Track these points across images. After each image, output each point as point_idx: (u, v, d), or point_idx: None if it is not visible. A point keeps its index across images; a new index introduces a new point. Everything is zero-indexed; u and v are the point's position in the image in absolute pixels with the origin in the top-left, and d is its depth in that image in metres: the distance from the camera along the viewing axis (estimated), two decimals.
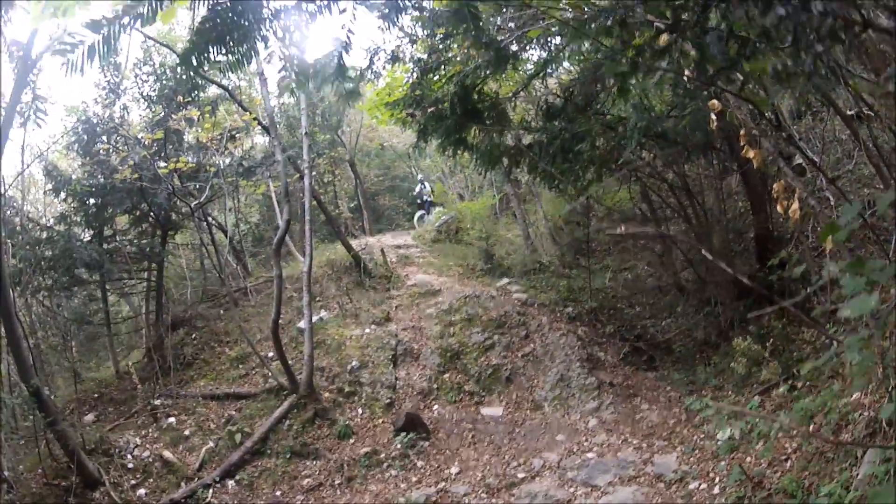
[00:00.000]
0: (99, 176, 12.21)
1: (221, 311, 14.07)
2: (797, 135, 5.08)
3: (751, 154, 5.01)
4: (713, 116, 5.33)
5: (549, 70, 10.96)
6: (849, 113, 5.87)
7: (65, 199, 12.65)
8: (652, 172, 12.08)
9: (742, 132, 5.09)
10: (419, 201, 23.41)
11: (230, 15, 4.61)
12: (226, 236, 15.52)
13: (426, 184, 23.56)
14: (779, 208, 5.03)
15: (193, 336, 13.29)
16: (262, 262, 18.44)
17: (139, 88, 13.43)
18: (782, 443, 6.47)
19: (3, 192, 10.67)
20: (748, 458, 6.61)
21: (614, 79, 8.71)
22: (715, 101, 5.32)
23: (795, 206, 4.78)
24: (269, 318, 11.30)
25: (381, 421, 10.06)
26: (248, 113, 13.84)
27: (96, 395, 11.79)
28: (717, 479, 6.90)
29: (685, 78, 5.04)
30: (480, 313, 12.22)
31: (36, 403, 8.52)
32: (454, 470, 8.69)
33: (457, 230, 18.61)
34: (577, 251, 15.35)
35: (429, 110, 10.85)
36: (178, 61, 12.08)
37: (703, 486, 7.01)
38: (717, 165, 11.24)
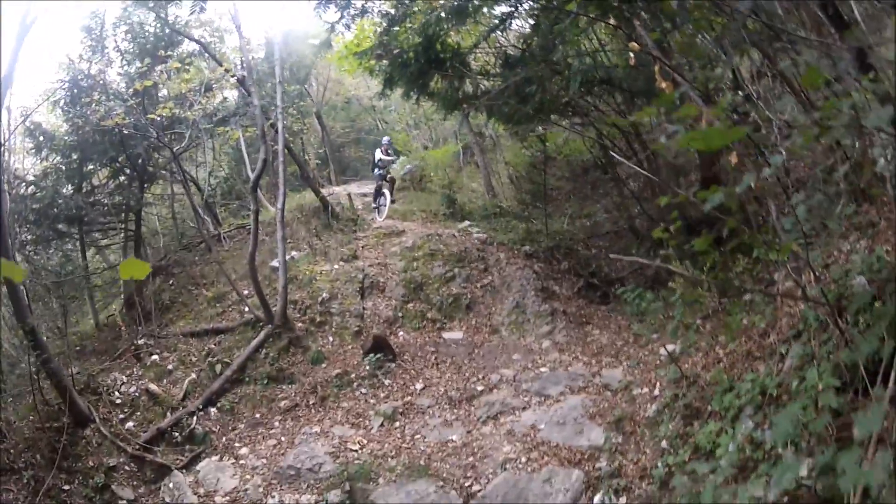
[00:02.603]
0: (81, 131, 12.73)
1: (196, 258, 14.67)
2: (755, 94, 5.59)
3: (663, 85, 5.65)
4: (631, 55, 5.98)
5: (508, 23, 11.66)
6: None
7: (46, 157, 13.20)
8: (601, 117, 12.81)
9: (657, 67, 5.73)
10: (378, 170, 17.57)
11: None
12: (198, 189, 16.08)
13: (387, 144, 18.19)
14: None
15: (171, 282, 13.83)
16: (232, 212, 18.95)
17: (117, 46, 13.93)
18: (716, 351, 7.18)
19: (5, 140, 11.09)
20: (685, 366, 7.25)
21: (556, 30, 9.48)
22: (634, 44, 5.95)
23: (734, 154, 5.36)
24: (243, 261, 12.01)
25: (350, 347, 10.75)
26: (221, 66, 14.40)
27: (78, 348, 12.28)
28: (657, 385, 7.67)
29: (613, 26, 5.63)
30: (442, 249, 12.92)
31: (31, 342, 9.06)
32: (419, 386, 9.42)
33: (420, 178, 19.17)
34: (537, 198, 15.98)
35: (394, 57, 11.52)
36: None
37: (646, 390, 7.82)
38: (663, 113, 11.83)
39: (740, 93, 4.70)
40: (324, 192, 17.56)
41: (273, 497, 7.73)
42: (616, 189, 14.09)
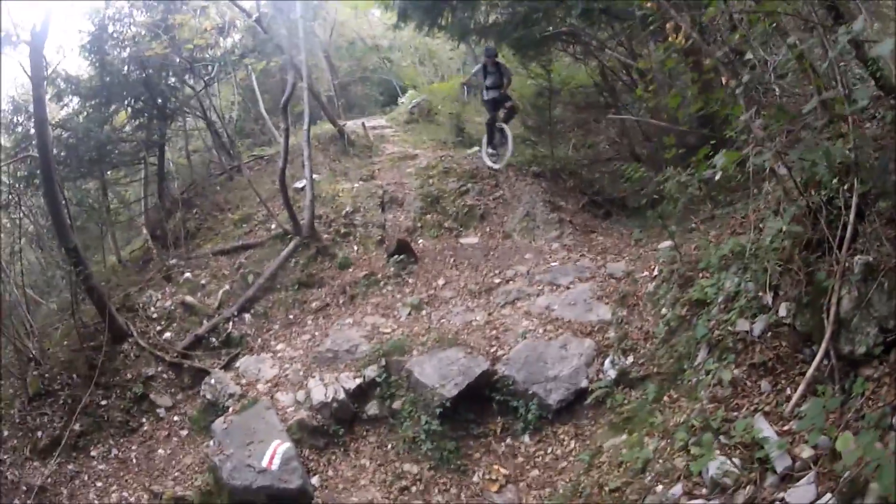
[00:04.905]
0: (106, 72, 13.43)
1: (218, 187, 15.42)
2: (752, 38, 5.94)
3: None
4: None
5: None
6: None
7: (67, 104, 13.88)
8: (602, 45, 13.37)
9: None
10: (489, 94, 13.48)
11: None
12: (221, 120, 16.70)
13: (491, 54, 13.22)
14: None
15: (194, 211, 14.54)
16: (246, 146, 19.50)
17: None
18: (706, 238, 7.88)
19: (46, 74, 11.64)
20: (680, 250, 7.90)
21: None
22: None
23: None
24: (266, 186, 12.78)
25: (374, 253, 11.55)
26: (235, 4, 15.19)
27: (103, 284, 13.03)
28: (655, 270, 8.51)
29: None
30: (455, 167, 13.67)
31: (74, 260, 9.77)
32: (441, 282, 10.25)
33: (428, 111, 19.65)
34: (542, 127, 16.47)
35: None
36: None
37: (646, 274, 8.71)
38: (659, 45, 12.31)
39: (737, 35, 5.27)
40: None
41: (314, 377, 8.54)
42: (618, 120, 14.63)
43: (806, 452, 3.96)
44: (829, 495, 3.55)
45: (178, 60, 13.92)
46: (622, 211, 12.68)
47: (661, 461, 5.03)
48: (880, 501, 3.28)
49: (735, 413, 4.77)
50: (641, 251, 9.80)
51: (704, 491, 4.33)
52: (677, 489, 4.53)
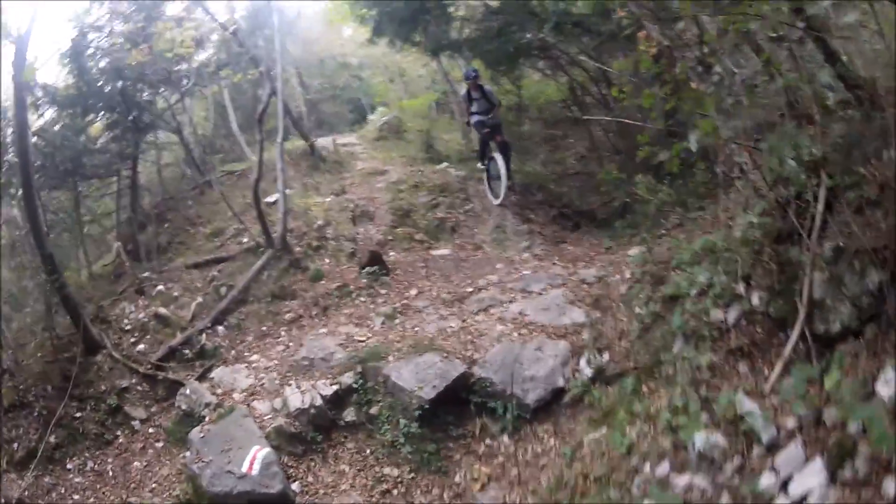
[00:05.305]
0: (83, 81, 13.47)
1: (189, 202, 15.38)
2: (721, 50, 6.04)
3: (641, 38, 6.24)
4: None
5: None
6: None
7: (43, 114, 13.82)
8: (573, 60, 13.64)
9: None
10: (477, 119, 12.83)
11: None
12: (197, 132, 16.74)
13: (473, 75, 12.69)
14: None
15: (166, 225, 14.57)
16: (217, 161, 19.37)
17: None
18: (678, 240, 8.06)
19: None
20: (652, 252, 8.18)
21: None
22: None
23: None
24: (237, 199, 12.78)
25: (346, 266, 11.56)
26: (216, 21, 15.36)
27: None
28: (627, 273, 8.64)
29: None
30: (425, 182, 13.83)
31: (49, 268, 9.71)
32: (413, 292, 10.29)
33: (398, 128, 19.80)
34: (511, 144, 16.64)
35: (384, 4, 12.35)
36: None
37: (618, 277, 8.84)
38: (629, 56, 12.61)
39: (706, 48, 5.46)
40: None
41: (290, 385, 8.49)
42: (587, 134, 14.88)
43: (790, 422, 4.04)
44: (817, 458, 3.62)
45: (155, 71, 13.99)
46: (591, 223, 12.84)
47: (645, 443, 5.10)
48: (872, 459, 3.37)
49: (715, 393, 4.87)
50: (612, 258, 9.97)
51: (692, 465, 4.40)
52: (664, 467, 4.60)
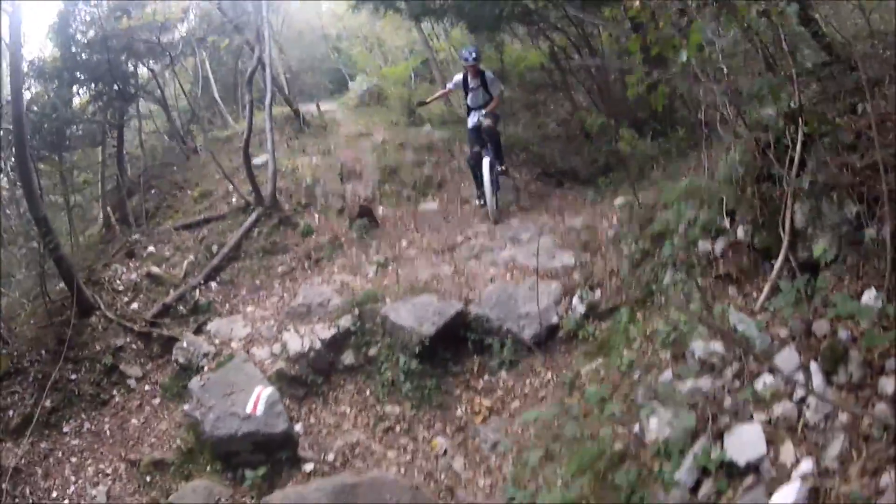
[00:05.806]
0: (70, 53, 13.58)
1: (175, 168, 15.44)
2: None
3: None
4: None
5: None
6: None
7: (29, 88, 13.83)
8: (555, 25, 13.77)
9: None
10: (472, 114, 11.03)
11: None
12: (187, 97, 16.75)
13: (472, 57, 10.61)
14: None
15: (153, 191, 14.50)
16: (199, 131, 19.46)
17: None
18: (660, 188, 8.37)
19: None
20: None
21: None
22: None
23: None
24: (225, 163, 12.87)
25: (336, 221, 11.77)
26: None
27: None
28: (615, 220, 8.84)
29: None
30: (411, 142, 14.03)
31: (43, 230, 9.77)
32: (404, 243, 10.49)
33: (379, 95, 19.85)
34: None
35: None
36: None
37: (605, 224, 9.11)
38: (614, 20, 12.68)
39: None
40: None
41: (288, 330, 8.71)
42: (569, 98, 15.02)
43: (783, 332, 4.32)
44: (812, 363, 3.91)
45: (142, 40, 14.08)
46: (574, 181, 12.95)
47: (646, 358, 5.38)
48: (865, 364, 3.66)
49: (709, 310, 5.14)
50: (598, 208, 10.14)
51: (694, 371, 4.66)
52: (667, 374, 4.87)
